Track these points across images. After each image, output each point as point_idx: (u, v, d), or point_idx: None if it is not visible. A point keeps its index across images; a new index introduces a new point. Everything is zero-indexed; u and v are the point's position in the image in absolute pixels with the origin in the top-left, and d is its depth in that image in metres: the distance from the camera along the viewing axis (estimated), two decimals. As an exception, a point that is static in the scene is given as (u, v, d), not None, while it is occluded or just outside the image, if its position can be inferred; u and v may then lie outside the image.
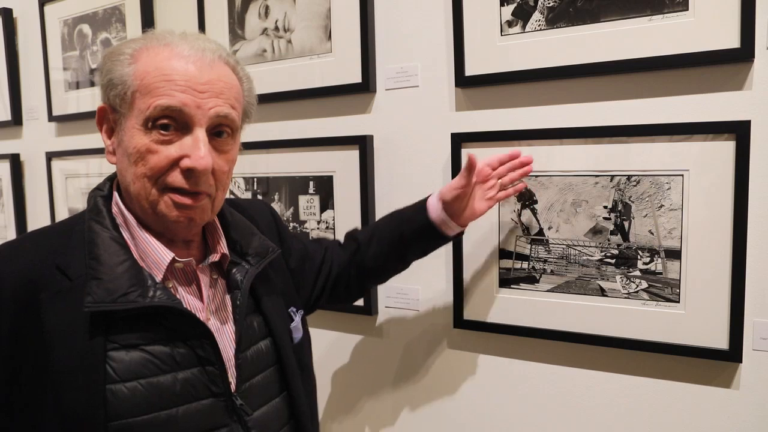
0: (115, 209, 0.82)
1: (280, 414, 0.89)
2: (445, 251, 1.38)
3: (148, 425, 0.73)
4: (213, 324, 0.83)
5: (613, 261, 1.18)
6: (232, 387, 0.81)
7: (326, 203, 1.53)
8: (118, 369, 0.72)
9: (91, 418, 0.70)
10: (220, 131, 0.79)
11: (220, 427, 0.79)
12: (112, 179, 0.86)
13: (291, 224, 1.59)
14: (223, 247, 0.87)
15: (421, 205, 1.12)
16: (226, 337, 0.84)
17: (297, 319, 0.98)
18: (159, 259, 0.79)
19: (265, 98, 1.49)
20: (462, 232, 1.15)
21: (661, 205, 1.13)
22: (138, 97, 0.75)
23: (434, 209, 1.10)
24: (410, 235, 1.10)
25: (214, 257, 0.86)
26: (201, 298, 0.83)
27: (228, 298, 0.87)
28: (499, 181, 1.14)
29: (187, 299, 0.82)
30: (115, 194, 0.83)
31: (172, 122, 0.75)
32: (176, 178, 0.76)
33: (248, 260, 0.89)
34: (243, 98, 0.84)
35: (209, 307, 0.84)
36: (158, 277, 0.78)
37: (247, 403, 0.82)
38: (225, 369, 0.80)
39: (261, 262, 0.90)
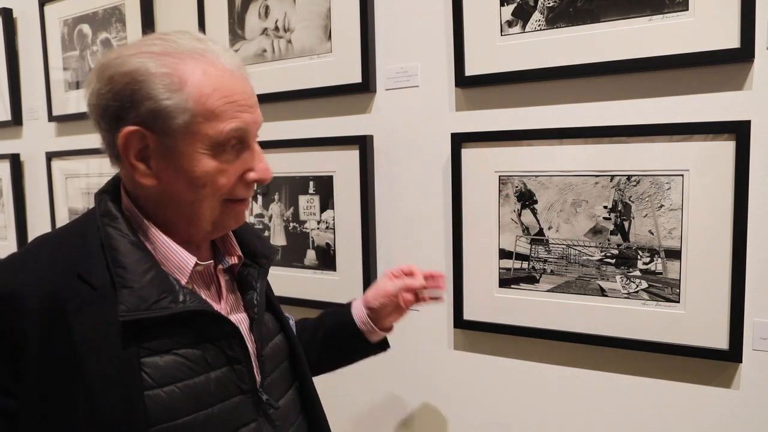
0: (126, 213, 0.81)
1: (295, 405, 0.93)
2: (445, 251, 1.38)
3: (187, 427, 0.74)
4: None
5: (613, 261, 1.18)
6: (258, 383, 0.84)
7: (326, 203, 1.53)
8: (153, 375, 0.73)
9: (132, 426, 0.70)
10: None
11: (249, 423, 0.81)
12: (116, 180, 0.85)
13: (291, 224, 1.59)
14: (238, 249, 0.90)
15: (346, 310, 1.11)
16: (246, 335, 0.86)
17: (293, 320, 1.02)
18: (182, 263, 0.79)
19: (265, 98, 1.48)
20: (386, 344, 1.14)
21: (661, 205, 1.13)
22: (201, 121, 0.73)
23: (359, 315, 1.09)
24: (335, 342, 1.10)
25: (233, 259, 0.89)
26: (218, 299, 0.86)
27: (241, 297, 0.90)
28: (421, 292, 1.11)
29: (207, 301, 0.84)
30: (125, 198, 0.82)
31: (236, 141, 0.77)
32: (240, 190, 0.80)
33: (257, 261, 0.92)
34: None
35: (225, 308, 0.86)
36: (183, 281, 0.78)
37: (270, 398, 0.85)
38: (252, 366, 0.83)
39: (268, 262, 0.94)
